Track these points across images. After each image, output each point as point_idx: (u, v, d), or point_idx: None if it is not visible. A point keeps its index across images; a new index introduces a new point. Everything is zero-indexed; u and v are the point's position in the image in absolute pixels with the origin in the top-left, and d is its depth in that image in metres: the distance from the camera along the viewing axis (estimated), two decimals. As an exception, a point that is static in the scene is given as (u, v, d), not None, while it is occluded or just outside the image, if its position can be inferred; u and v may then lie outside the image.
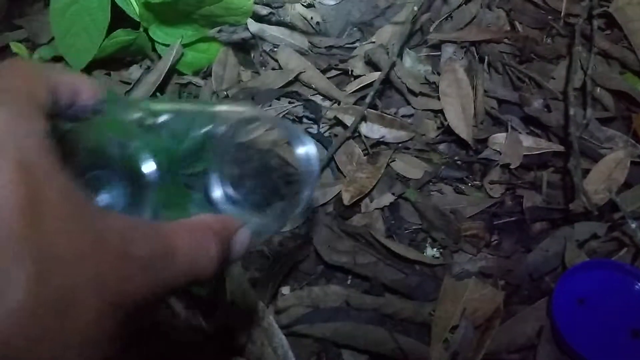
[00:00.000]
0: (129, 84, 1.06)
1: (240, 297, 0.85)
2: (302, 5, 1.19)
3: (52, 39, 1.16)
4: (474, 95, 1.00)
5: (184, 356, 0.82)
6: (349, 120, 0.98)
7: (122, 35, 1.02)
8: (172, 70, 1.07)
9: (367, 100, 0.95)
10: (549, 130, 0.97)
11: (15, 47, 1.03)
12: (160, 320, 0.87)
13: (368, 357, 0.81)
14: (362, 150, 0.98)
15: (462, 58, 1.06)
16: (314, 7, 1.20)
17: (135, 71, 1.11)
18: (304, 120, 1.03)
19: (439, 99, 1.01)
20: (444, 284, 0.83)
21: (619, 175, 0.89)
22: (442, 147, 1.00)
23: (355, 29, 1.20)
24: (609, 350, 0.73)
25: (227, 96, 1.06)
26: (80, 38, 1.02)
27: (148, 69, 1.10)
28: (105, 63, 1.07)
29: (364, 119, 0.97)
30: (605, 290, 0.77)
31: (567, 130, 0.91)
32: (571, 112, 0.91)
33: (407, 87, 1.01)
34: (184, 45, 1.05)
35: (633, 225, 0.82)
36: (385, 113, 0.99)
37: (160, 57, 1.07)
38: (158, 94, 1.05)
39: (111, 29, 0.99)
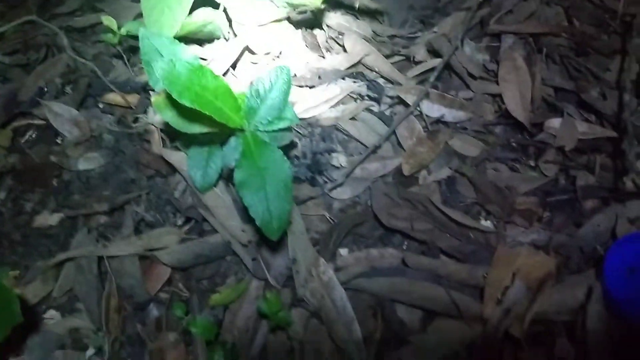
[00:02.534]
0: (205, 60, 1.14)
1: (302, 253, 0.91)
2: (367, -3, 1.26)
3: (135, 17, 1.27)
4: (532, 82, 1.05)
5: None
6: (410, 99, 1.04)
7: (203, 14, 1.10)
8: (245, 49, 1.14)
9: (431, 79, 1.01)
10: (603, 117, 1.01)
11: (106, 20, 1.12)
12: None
13: (422, 312, 0.86)
14: (422, 128, 1.03)
15: (521, 48, 1.10)
16: (378, -1, 1.27)
17: (207, 48, 1.18)
18: (366, 99, 1.09)
19: (497, 84, 1.05)
20: (497, 250, 0.87)
21: (672, 160, 0.92)
22: (498, 129, 1.05)
23: (416, 20, 1.26)
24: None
25: (294, 76, 1.13)
26: (165, 15, 1.10)
27: (223, 48, 1.17)
28: (186, 40, 1.15)
29: (426, 96, 1.02)
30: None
31: (620, 116, 0.95)
32: (626, 98, 0.95)
33: (467, 71, 1.07)
34: (259, 26, 1.13)
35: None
36: (446, 94, 1.05)
37: (235, 36, 1.15)
38: (231, 70, 1.12)
39: (193, 7, 1.07)
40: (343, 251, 0.95)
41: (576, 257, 0.88)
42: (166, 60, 0.75)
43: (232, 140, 0.86)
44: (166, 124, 0.94)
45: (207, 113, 0.77)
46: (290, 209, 0.80)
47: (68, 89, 1.21)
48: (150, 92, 1.12)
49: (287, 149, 1.02)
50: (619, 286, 0.78)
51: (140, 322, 0.92)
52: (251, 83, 0.85)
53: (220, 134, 0.87)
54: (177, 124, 0.86)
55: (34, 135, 1.16)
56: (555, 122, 1.01)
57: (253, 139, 0.83)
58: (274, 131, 0.86)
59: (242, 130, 0.84)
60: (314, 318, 0.88)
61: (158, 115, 0.99)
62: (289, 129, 0.88)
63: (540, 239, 0.90)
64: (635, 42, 1.03)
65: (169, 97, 0.82)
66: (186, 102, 0.75)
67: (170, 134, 1.04)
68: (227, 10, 1.12)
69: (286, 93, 0.85)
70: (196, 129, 0.85)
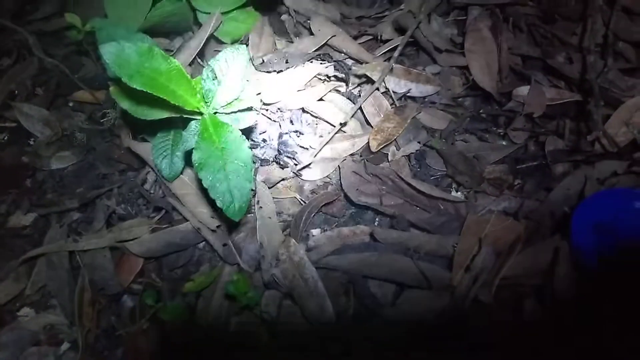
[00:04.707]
0: (172, 51, 1.14)
1: (268, 236, 0.91)
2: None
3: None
4: (498, 52, 1.04)
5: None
6: (376, 76, 1.03)
7: (167, 5, 1.09)
8: (212, 38, 1.14)
9: (395, 54, 1.00)
10: (570, 82, 1.00)
11: (69, 17, 1.11)
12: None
13: (394, 286, 0.85)
14: (389, 104, 1.03)
15: (487, 19, 1.09)
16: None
17: (176, 41, 1.18)
18: (333, 79, 1.09)
19: (464, 55, 1.04)
20: (467, 219, 0.86)
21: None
22: (467, 102, 1.04)
23: (385, 1, 1.26)
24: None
25: (262, 62, 1.12)
26: (129, 9, 1.10)
27: (189, 39, 1.17)
28: (153, 33, 1.15)
29: (391, 72, 1.02)
30: (622, 215, 0.79)
31: (584, 77, 0.94)
32: (590, 59, 0.94)
33: (433, 45, 1.06)
34: (224, 14, 1.12)
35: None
36: (412, 69, 1.04)
37: (201, 26, 1.14)
38: (198, 59, 1.12)
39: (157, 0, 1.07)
40: (315, 231, 0.94)
41: (547, 222, 0.87)
42: (114, 44, 0.75)
43: (192, 124, 0.85)
44: (130, 118, 0.93)
45: (160, 96, 0.76)
46: (250, 188, 0.79)
47: (39, 90, 1.21)
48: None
49: (254, 132, 1.02)
50: (585, 241, 0.77)
51: (114, 314, 0.91)
52: (207, 65, 0.84)
53: (182, 120, 0.87)
54: (136, 112, 0.86)
55: (5, 138, 1.16)
56: (523, 90, 1.00)
57: (212, 121, 0.82)
58: (234, 113, 0.85)
59: (200, 113, 0.84)
60: (286, 299, 0.88)
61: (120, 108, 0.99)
62: (250, 110, 0.87)
63: (511, 207, 0.90)
64: (598, 3, 1.02)
65: (124, 85, 0.82)
66: (137, 86, 0.75)
67: (137, 126, 1.04)
68: (191, 1, 1.12)
69: (244, 73, 0.85)
70: (155, 114, 0.85)
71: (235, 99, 0.85)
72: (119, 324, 0.90)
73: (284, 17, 1.20)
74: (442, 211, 0.90)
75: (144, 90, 0.75)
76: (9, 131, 1.16)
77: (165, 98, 0.77)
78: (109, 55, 0.75)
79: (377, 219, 0.94)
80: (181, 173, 0.95)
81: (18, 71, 1.25)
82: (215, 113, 0.84)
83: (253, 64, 1.12)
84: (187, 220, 0.93)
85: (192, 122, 0.85)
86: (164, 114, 0.84)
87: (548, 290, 0.77)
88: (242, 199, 0.78)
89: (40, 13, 1.38)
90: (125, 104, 0.86)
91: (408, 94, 1.03)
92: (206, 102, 0.83)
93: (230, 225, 0.92)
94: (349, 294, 0.86)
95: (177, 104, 0.79)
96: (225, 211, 0.78)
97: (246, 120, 0.87)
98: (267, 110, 1.05)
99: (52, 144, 1.11)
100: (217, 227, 0.91)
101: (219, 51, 1.13)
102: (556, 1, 1.12)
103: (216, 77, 0.84)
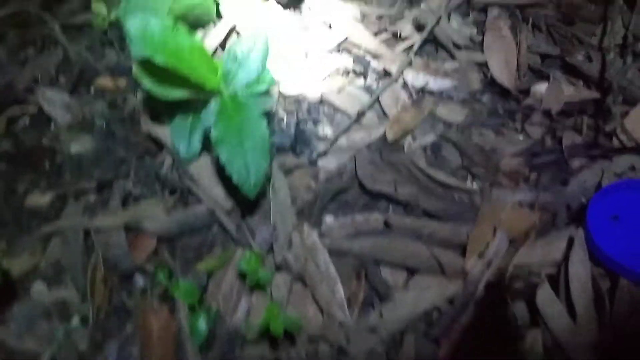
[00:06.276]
0: (194, 42, 1.15)
1: (282, 219, 0.91)
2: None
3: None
4: (517, 49, 1.04)
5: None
6: (395, 69, 1.04)
7: (190, -3, 1.11)
8: (233, 31, 1.16)
9: (415, 47, 1.01)
10: (589, 80, 1.00)
11: (96, 5, 1.14)
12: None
13: (406, 273, 0.85)
14: (407, 98, 1.03)
15: (507, 18, 1.10)
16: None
17: (200, 33, 1.20)
18: (352, 74, 1.10)
19: (483, 52, 1.05)
20: (482, 207, 0.86)
21: (660, 115, 0.91)
22: (485, 98, 1.04)
23: (404, 1, 1.27)
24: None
25: (281, 54, 1.13)
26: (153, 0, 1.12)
27: (212, 30, 1.19)
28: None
29: (409, 65, 1.02)
30: (638, 208, 0.79)
31: (603, 75, 0.94)
32: (610, 56, 0.94)
33: (452, 41, 1.07)
34: (246, 6, 1.14)
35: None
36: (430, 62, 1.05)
37: (222, 17, 1.16)
38: (220, 50, 1.14)
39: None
40: (329, 218, 0.94)
41: (563, 214, 0.86)
42: (140, 18, 0.76)
43: (212, 104, 0.86)
44: (151, 102, 0.95)
45: (183, 72, 0.78)
46: (267, 165, 0.79)
47: (62, 77, 1.24)
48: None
49: (272, 120, 1.03)
50: (601, 233, 0.76)
51: (126, 292, 0.91)
52: (228, 48, 0.86)
53: (201, 101, 0.88)
54: (157, 91, 0.87)
55: (27, 122, 1.18)
56: (541, 87, 1.01)
57: (231, 100, 0.83)
58: (252, 95, 0.86)
59: (220, 93, 0.85)
60: (297, 282, 0.87)
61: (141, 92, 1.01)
62: (268, 94, 0.88)
63: (526, 199, 0.89)
64: (619, 5, 1.02)
65: (147, 64, 0.83)
66: (160, 61, 0.76)
67: (157, 111, 1.05)
68: (214, -6, 1.14)
69: (264, 57, 0.86)
70: (176, 94, 0.86)
71: (255, 82, 0.86)
72: (129, 302, 0.90)
73: (304, 12, 1.22)
74: (457, 200, 0.90)
75: (167, 65, 0.77)
76: (31, 116, 1.18)
77: (187, 75, 0.78)
78: (134, 29, 0.77)
79: (391, 208, 0.93)
80: (199, 156, 0.96)
81: (42, 60, 1.27)
82: (234, 94, 0.85)
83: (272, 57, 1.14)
84: (202, 202, 0.94)
85: (212, 101, 0.86)
86: (185, 94, 0.86)
87: (563, 279, 0.76)
88: (258, 175, 0.79)
89: (67, 7, 1.42)
90: (147, 83, 0.87)
91: (426, 88, 1.03)
92: (226, 83, 0.85)
93: (245, 208, 0.93)
94: (361, 278, 0.86)
95: (197, 82, 0.80)
96: (241, 187, 0.79)
97: (265, 103, 0.88)
98: (285, 100, 1.06)
99: (72, 128, 1.13)
100: (232, 208, 0.92)
101: (240, 44, 1.16)
102: (576, 4, 1.13)
103: (237, 59, 0.85)
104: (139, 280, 0.92)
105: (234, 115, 0.81)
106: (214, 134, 0.80)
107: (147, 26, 0.77)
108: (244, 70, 0.85)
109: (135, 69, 0.88)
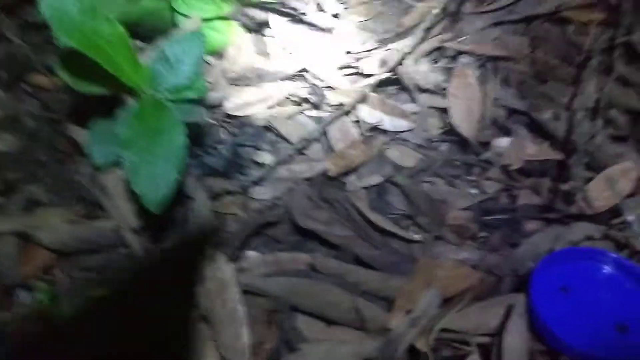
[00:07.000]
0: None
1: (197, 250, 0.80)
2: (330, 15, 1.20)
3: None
4: (482, 100, 0.97)
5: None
6: (349, 103, 0.96)
7: (146, 1, 1.04)
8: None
9: (372, 81, 0.94)
10: (554, 141, 0.92)
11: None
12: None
13: (323, 323, 0.74)
14: (358, 134, 0.95)
15: (476, 68, 1.04)
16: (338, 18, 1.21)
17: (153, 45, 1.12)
18: (305, 103, 1.01)
19: (445, 98, 0.98)
20: (419, 261, 0.76)
21: (625, 186, 0.83)
22: (442, 146, 0.96)
23: (375, 42, 1.21)
24: (594, 344, 0.64)
25: (235, 75, 1.06)
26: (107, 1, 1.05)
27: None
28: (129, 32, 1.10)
29: (364, 99, 0.95)
30: (590, 280, 0.70)
31: (570, 136, 0.87)
32: (579, 118, 0.87)
33: (416, 84, 1.00)
34: (204, 21, 1.07)
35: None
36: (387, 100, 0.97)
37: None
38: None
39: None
40: (251, 253, 0.84)
41: (508, 279, 0.77)
42: (55, -1, 0.68)
43: (131, 102, 0.77)
44: (79, 102, 0.86)
45: (97, 60, 0.69)
46: (177, 179, 0.69)
47: (2, 73, 1.15)
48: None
49: (209, 139, 0.94)
50: (546, 304, 0.66)
51: (3, 308, 0.79)
52: (159, 46, 0.77)
53: (122, 101, 0.79)
54: (75, 85, 0.78)
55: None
56: (503, 142, 0.93)
57: (153, 101, 0.74)
58: (179, 101, 0.77)
59: (142, 93, 0.76)
60: (203, 322, 0.76)
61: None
62: (198, 103, 0.80)
63: (471, 258, 0.80)
64: (594, 68, 0.96)
65: (68, 55, 0.75)
66: (74, 43, 0.68)
67: (84, 113, 0.95)
68: (172, 2, 1.06)
69: (199, 62, 0.78)
70: (94, 89, 0.77)
71: (184, 88, 0.77)
72: (6, 320, 0.78)
73: (267, 38, 1.15)
74: (394, 250, 0.80)
75: (80, 50, 0.68)
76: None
77: (105, 66, 0.69)
78: (48, 9, 0.68)
79: (321, 250, 0.83)
80: (117, 166, 0.86)
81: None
82: (157, 96, 0.76)
83: (225, 77, 1.06)
84: (109, 217, 0.83)
85: (131, 100, 0.76)
86: (103, 90, 0.76)
87: (495, 351, 0.66)
88: (166, 188, 0.69)
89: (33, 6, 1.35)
90: (66, 76, 0.78)
91: (379, 126, 0.95)
92: (151, 82, 0.76)
93: (156, 230, 0.82)
94: (272, 324, 0.74)
95: (115, 75, 0.71)
96: (144, 198, 0.69)
97: (192, 112, 0.79)
98: (229, 121, 0.98)
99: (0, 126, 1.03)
100: (142, 228, 0.81)
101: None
102: (551, 64, 1.07)
103: (168, 61, 0.77)
104: (22, 295, 0.80)
105: (152, 119, 0.72)
106: (122, 134, 0.70)
107: (62, 5, 0.68)
108: (173, 73, 0.76)
109: (56, 62, 0.79)
